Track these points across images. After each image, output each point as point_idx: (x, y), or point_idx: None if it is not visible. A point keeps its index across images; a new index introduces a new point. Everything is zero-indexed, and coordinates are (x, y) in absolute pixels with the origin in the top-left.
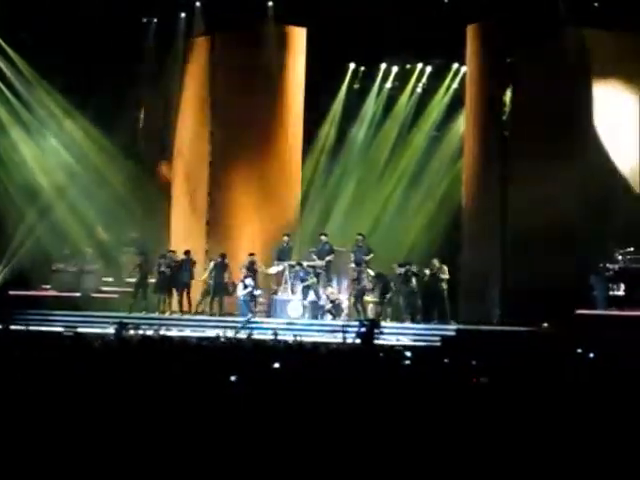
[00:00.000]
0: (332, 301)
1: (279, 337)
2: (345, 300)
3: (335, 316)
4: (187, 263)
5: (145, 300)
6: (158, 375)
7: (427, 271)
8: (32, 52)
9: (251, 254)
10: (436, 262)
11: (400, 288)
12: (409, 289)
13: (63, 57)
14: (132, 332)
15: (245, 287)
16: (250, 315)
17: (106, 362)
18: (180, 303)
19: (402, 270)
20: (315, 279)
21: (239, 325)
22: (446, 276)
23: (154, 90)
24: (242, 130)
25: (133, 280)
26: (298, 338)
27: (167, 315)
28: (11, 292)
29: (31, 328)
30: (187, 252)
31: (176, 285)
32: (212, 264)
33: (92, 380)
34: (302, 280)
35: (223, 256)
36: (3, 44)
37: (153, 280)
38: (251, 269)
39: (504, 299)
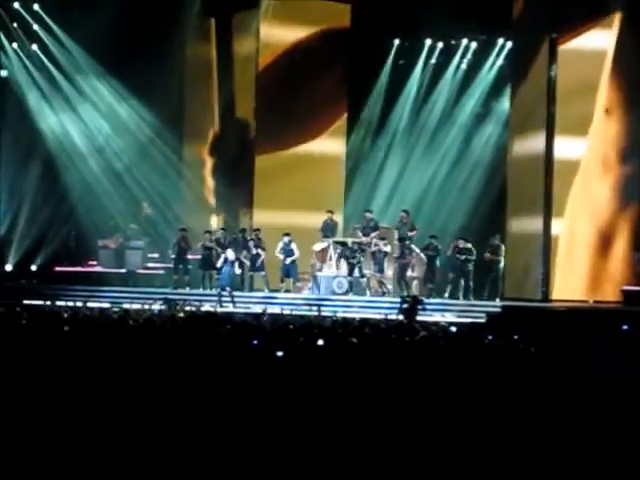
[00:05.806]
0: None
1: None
2: (389, 277)
3: (381, 293)
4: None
5: (187, 276)
6: (205, 350)
7: (487, 254)
8: (74, 22)
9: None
10: (496, 241)
11: (455, 263)
12: (466, 268)
13: (107, 27)
14: (179, 308)
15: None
16: None
17: (153, 338)
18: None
19: (468, 245)
20: (361, 257)
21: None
22: (501, 256)
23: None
24: (287, 106)
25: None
26: (339, 315)
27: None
28: (57, 268)
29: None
30: (242, 230)
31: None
32: (281, 243)
33: (139, 354)
34: (347, 258)
35: (288, 235)
36: (45, 16)
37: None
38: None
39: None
